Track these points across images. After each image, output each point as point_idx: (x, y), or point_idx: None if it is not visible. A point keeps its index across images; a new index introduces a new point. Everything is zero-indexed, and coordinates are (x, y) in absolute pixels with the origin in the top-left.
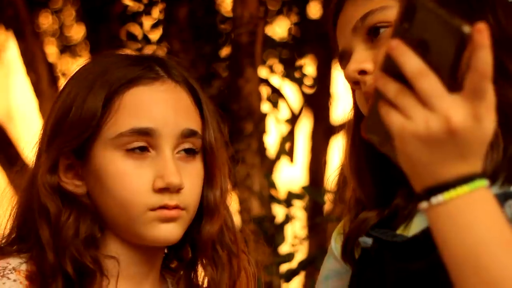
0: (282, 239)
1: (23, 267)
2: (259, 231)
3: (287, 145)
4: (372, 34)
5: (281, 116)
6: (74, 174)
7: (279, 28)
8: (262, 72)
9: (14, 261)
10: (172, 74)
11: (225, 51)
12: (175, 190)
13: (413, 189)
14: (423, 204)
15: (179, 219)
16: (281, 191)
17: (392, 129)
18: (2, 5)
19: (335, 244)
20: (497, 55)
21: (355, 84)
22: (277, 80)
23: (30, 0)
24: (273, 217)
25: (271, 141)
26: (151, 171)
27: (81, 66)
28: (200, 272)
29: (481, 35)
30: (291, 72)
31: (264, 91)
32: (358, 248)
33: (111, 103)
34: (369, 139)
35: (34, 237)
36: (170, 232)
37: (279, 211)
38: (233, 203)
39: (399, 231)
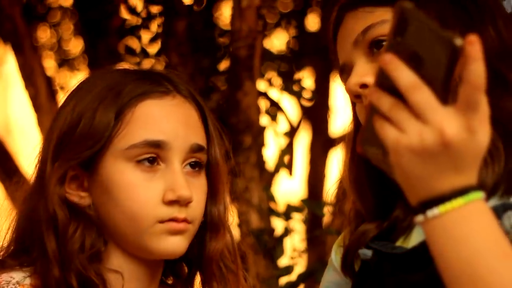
0: (281, 252)
1: (27, 281)
2: (258, 244)
3: (286, 158)
4: (374, 47)
5: (280, 129)
6: (78, 186)
7: (278, 41)
8: (261, 85)
9: (17, 275)
10: (180, 89)
11: (223, 65)
12: (184, 203)
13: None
14: (419, 218)
15: (186, 232)
16: (280, 204)
17: (386, 143)
18: (0, 19)
19: (335, 256)
20: (497, 66)
21: (356, 97)
22: (275, 93)
23: (28, 14)
24: (272, 230)
25: (270, 154)
26: (161, 184)
27: (84, 80)
28: (199, 286)
29: (473, 47)
30: (290, 85)
31: (263, 104)
32: (358, 260)
33: (123, 115)
34: (364, 153)
35: (38, 249)
36: (178, 244)
37: (278, 224)
38: (232, 216)
39: (398, 243)
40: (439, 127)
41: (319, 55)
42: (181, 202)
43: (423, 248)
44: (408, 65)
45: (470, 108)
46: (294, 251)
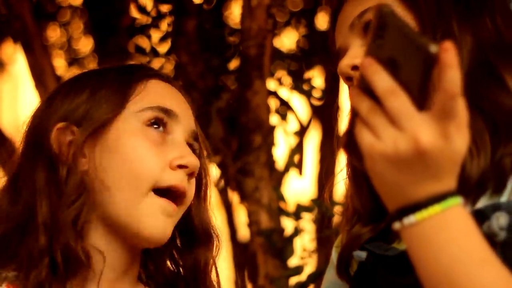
0: (291, 252)
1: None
2: (268, 244)
3: (296, 158)
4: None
5: (290, 129)
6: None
7: (287, 40)
8: (271, 84)
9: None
10: (175, 85)
11: (233, 64)
12: (190, 171)
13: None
14: (396, 225)
15: (174, 217)
16: (290, 203)
17: (362, 148)
18: (10, 19)
19: (335, 255)
20: (491, 59)
21: (347, 79)
22: (285, 92)
23: (38, 13)
24: (282, 230)
25: (280, 153)
26: (168, 151)
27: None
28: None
29: (448, 54)
30: (300, 84)
31: (273, 103)
32: (355, 262)
33: (137, 85)
34: (349, 156)
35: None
36: (165, 227)
37: (288, 224)
38: (241, 216)
39: (394, 245)
40: (414, 135)
41: (329, 54)
42: (189, 169)
43: None
44: (386, 70)
45: (445, 116)
46: (304, 251)
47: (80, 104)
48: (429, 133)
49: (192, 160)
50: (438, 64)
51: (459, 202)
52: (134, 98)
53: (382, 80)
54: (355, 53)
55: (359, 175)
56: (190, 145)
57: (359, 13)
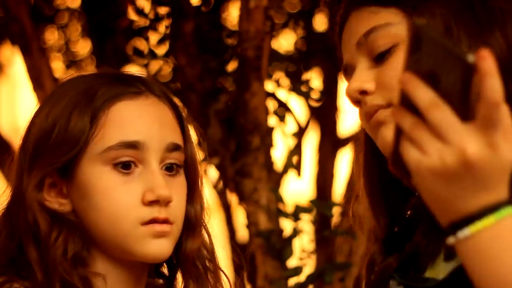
0: (290, 253)
1: None
2: (267, 245)
3: (294, 159)
4: (376, 59)
5: (288, 130)
6: (57, 193)
7: (285, 42)
8: (269, 86)
9: None
10: (153, 89)
11: (231, 66)
12: (164, 203)
13: (434, 223)
14: (450, 239)
15: (170, 234)
16: (289, 204)
17: (409, 165)
18: (8, 21)
19: None
20: (504, 79)
21: (355, 103)
22: (283, 94)
23: (36, 16)
24: (280, 231)
25: (278, 154)
26: (139, 185)
27: (56, 87)
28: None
29: (486, 62)
30: (298, 85)
31: (271, 104)
32: None
33: (97, 118)
34: (396, 174)
35: (21, 260)
36: (162, 248)
37: (286, 225)
38: (240, 217)
39: (428, 272)
40: (460, 147)
41: (327, 55)
42: (161, 202)
43: (454, 278)
44: (426, 83)
45: (490, 125)
46: (303, 252)
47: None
48: (475, 144)
49: (161, 193)
50: (477, 73)
51: None
52: (95, 137)
53: (423, 94)
54: (362, 77)
55: (375, 183)
56: (169, 167)
57: (366, 31)
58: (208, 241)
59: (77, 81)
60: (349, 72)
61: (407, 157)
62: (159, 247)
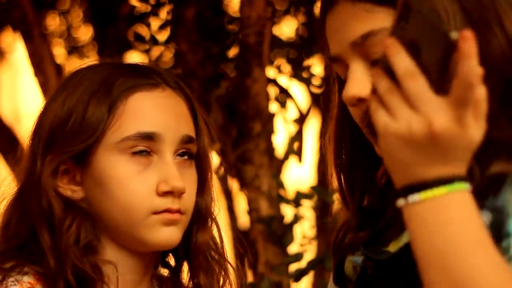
0: (291, 239)
1: (25, 278)
2: (268, 231)
3: (296, 145)
4: (373, 64)
5: (289, 116)
6: (70, 180)
7: (287, 28)
8: (270, 72)
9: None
10: (168, 81)
11: (232, 52)
12: (178, 194)
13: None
14: (400, 201)
15: (180, 223)
16: (290, 191)
17: (377, 127)
18: (9, 7)
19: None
20: (505, 72)
21: (352, 105)
22: (285, 80)
23: (37, 2)
24: (282, 217)
25: (279, 141)
26: (154, 176)
27: (72, 74)
28: (186, 276)
29: (467, 43)
30: (299, 72)
31: (272, 91)
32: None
33: (115, 108)
34: (367, 133)
35: (33, 245)
36: (172, 235)
37: (287, 211)
38: (241, 203)
39: (391, 245)
40: (428, 117)
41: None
42: (175, 193)
43: (403, 254)
44: (408, 52)
45: (461, 103)
46: (303, 238)
47: (63, 123)
48: (443, 118)
49: (175, 185)
50: (457, 51)
51: (465, 188)
52: (112, 127)
53: (402, 61)
54: (360, 84)
55: (354, 163)
56: (182, 154)
57: (363, 34)
58: (217, 234)
59: (93, 70)
60: (340, 64)
61: (376, 119)
62: (169, 234)
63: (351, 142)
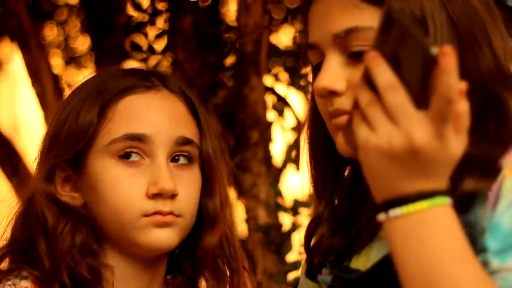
0: (289, 247)
1: (23, 283)
2: (266, 240)
3: (293, 153)
4: (353, 57)
5: (287, 124)
6: (72, 187)
7: (284, 37)
8: (267, 80)
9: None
10: (167, 84)
11: (230, 60)
12: (168, 196)
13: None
14: (381, 216)
15: (174, 225)
16: (288, 199)
17: (357, 140)
18: (6, 17)
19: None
20: (495, 90)
21: (321, 96)
22: (282, 89)
23: (34, 12)
24: (279, 226)
25: (277, 149)
26: (144, 178)
27: (79, 83)
28: (203, 285)
29: (446, 59)
30: (297, 80)
31: (270, 99)
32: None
33: (106, 112)
34: (346, 151)
35: (32, 249)
36: (165, 237)
37: (285, 219)
38: (239, 212)
39: (360, 259)
40: (409, 132)
41: None
42: (164, 195)
43: (375, 272)
44: (389, 65)
45: (441, 118)
46: (302, 247)
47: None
48: (423, 132)
49: (164, 186)
50: (437, 67)
51: (447, 202)
52: (102, 130)
53: (384, 74)
54: (335, 76)
55: (326, 169)
56: (177, 156)
57: (347, 28)
58: (231, 239)
59: (95, 76)
60: (316, 51)
61: (357, 131)
62: (162, 236)
63: (324, 136)
